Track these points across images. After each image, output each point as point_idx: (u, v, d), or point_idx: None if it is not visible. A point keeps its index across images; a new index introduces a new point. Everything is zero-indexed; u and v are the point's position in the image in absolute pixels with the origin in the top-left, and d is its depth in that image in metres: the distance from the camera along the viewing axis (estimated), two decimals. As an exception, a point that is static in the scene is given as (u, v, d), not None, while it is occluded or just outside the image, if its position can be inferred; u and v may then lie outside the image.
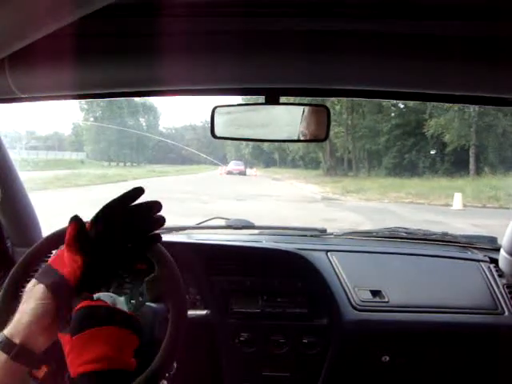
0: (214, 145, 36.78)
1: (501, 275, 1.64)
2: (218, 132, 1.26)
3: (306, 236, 1.97)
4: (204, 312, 1.54)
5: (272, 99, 1.22)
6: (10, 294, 1.14)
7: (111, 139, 31.25)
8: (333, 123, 22.31)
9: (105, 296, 1.17)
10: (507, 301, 1.58)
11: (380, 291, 1.59)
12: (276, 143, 32.42)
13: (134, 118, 34.26)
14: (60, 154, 30.80)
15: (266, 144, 35.23)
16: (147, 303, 1.17)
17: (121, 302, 1.16)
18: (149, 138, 32.31)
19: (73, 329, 0.82)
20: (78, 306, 0.85)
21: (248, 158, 38.68)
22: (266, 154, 37.68)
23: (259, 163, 38.20)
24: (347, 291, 1.57)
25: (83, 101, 30.22)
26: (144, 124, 36.23)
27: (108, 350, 0.81)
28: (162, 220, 0.95)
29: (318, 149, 26.00)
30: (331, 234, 1.96)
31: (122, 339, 0.84)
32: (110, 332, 0.83)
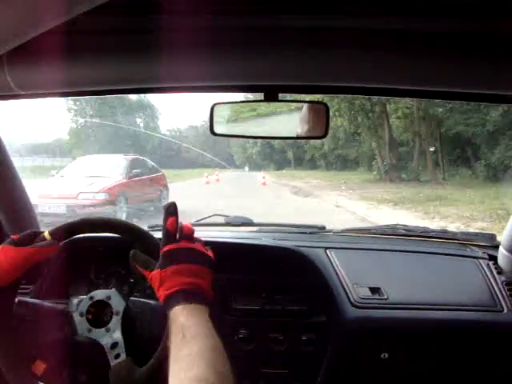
0: (219, 146, 33.59)
1: (500, 272, 1.64)
2: (217, 129, 1.27)
3: (304, 233, 1.97)
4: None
5: (271, 96, 1.22)
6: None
7: (103, 142, 28.64)
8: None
9: (97, 294, 1.18)
10: (506, 298, 1.58)
11: (379, 288, 1.59)
12: (290, 139, 30.12)
13: (129, 118, 31.91)
14: (39, 161, 28.00)
15: (277, 141, 31.35)
16: (146, 300, 1.18)
17: (114, 294, 1.17)
18: (146, 140, 30.03)
19: (162, 265, 1.01)
20: (165, 249, 1.03)
21: (256, 158, 34.32)
22: (278, 152, 32.52)
23: (269, 164, 32.88)
24: (346, 288, 1.57)
25: (71, 101, 28.88)
26: (142, 125, 33.69)
27: (191, 277, 0.99)
28: None
29: (368, 139, 18.67)
30: (330, 231, 1.96)
31: (200, 272, 1.01)
32: (191, 267, 1.01)
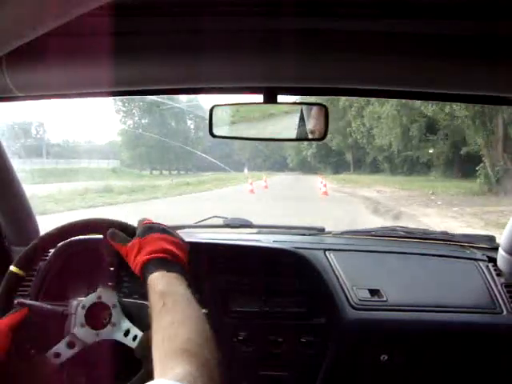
0: (272, 148, 31.65)
1: (499, 274, 1.64)
2: (216, 131, 1.26)
3: (304, 235, 1.96)
4: (202, 311, 1.54)
5: (270, 98, 1.22)
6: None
7: (151, 144, 27.79)
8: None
9: (91, 298, 1.18)
10: (505, 300, 1.58)
11: (378, 290, 1.59)
12: (350, 139, 26.38)
13: (180, 121, 30.96)
14: (85, 163, 28.23)
15: (334, 141, 27.34)
16: (145, 303, 1.18)
17: (102, 291, 1.17)
18: (198, 142, 28.97)
19: (140, 234, 1.04)
20: (144, 222, 1.09)
21: (311, 161, 31.70)
22: (335, 154, 29.42)
23: (325, 168, 30.22)
24: (345, 290, 1.57)
25: (120, 103, 28.48)
26: (192, 127, 32.41)
27: (168, 245, 1.02)
28: None
29: (472, 134, 13.35)
30: (329, 232, 1.96)
31: (176, 243, 1.05)
32: (167, 237, 1.05)
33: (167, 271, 0.96)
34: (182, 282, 0.96)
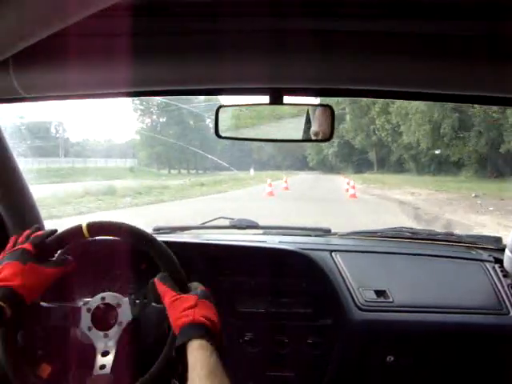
0: (290, 147, 29.97)
1: (505, 275, 1.63)
2: (222, 132, 1.27)
3: (310, 236, 1.96)
4: None
5: (276, 99, 1.23)
6: None
7: (169, 143, 27.91)
8: None
9: (109, 296, 1.18)
10: None
11: (384, 291, 1.59)
12: (374, 137, 25.67)
13: (198, 119, 30.32)
14: (102, 162, 28.23)
15: (357, 139, 26.59)
16: (152, 304, 1.18)
17: (125, 303, 1.17)
18: (216, 140, 28.90)
19: (202, 295, 1.08)
20: (205, 288, 1.13)
21: (332, 160, 30.88)
22: (358, 153, 28.24)
23: (347, 167, 29.26)
24: (352, 291, 1.57)
25: (138, 101, 28.85)
26: (211, 126, 32.18)
27: (214, 318, 1.05)
28: None
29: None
30: (335, 233, 1.96)
31: (219, 320, 1.06)
32: (217, 313, 1.07)
33: (215, 347, 0.97)
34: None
